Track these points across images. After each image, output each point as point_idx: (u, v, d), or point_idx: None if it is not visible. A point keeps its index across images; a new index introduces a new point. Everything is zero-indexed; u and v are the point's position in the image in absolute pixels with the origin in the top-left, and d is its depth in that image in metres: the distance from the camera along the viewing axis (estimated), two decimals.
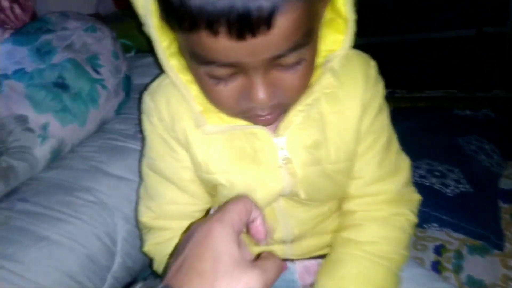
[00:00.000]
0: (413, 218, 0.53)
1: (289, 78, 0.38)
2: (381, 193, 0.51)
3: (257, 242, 0.39)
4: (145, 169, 0.55)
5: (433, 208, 0.76)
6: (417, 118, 1.09)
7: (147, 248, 0.57)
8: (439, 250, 0.74)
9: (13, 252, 0.58)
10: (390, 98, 1.41)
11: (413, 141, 0.96)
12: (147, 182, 0.56)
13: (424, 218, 0.76)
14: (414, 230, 0.53)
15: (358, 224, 0.51)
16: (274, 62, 0.36)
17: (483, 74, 1.76)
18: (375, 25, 1.99)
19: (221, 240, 0.32)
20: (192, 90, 0.44)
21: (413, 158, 0.86)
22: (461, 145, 0.92)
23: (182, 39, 0.37)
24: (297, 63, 0.37)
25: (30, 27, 0.87)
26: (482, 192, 0.80)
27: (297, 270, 0.56)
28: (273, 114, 0.42)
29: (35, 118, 0.70)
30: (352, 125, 0.48)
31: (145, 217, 0.56)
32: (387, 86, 1.51)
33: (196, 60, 0.37)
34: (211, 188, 0.52)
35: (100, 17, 1.21)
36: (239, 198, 0.37)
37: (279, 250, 0.56)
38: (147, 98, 0.52)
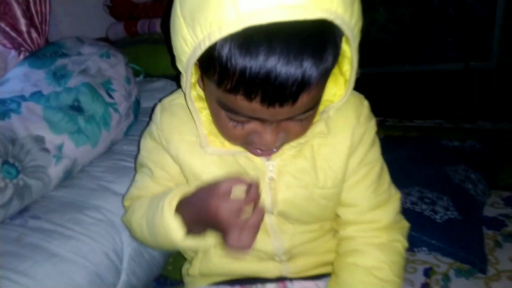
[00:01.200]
0: (406, 244, 0.57)
1: (294, 127, 0.45)
2: (377, 221, 0.56)
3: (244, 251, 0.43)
4: (138, 162, 0.63)
5: (423, 233, 0.80)
6: (408, 147, 1.16)
7: (123, 218, 0.63)
8: (428, 272, 0.78)
9: (25, 268, 0.61)
10: (381, 126, 1.48)
11: (405, 169, 1.02)
12: (137, 170, 0.63)
13: (415, 242, 0.81)
14: (405, 254, 0.58)
15: (360, 249, 0.55)
16: (287, 119, 0.42)
17: (469, 106, 1.85)
18: (372, 56, 2.09)
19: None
20: (202, 116, 0.50)
21: (405, 185, 0.93)
22: (449, 174, 0.98)
23: (217, 91, 0.41)
24: (303, 119, 0.44)
25: (46, 50, 0.92)
26: (469, 219, 0.86)
27: (294, 285, 0.59)
28: (272, 151, 0.48)
29: (51, 139, 0.74)
30: (341, 156, 0.53)
31: (127, 201, 0.62)
32: (379, 114, 1.58)
33: (223, 107, 0.42)
34: None
35: (109, 42, 1.27)
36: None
37: (276, 269, 0.59)
38: (158, 109, 0.58)
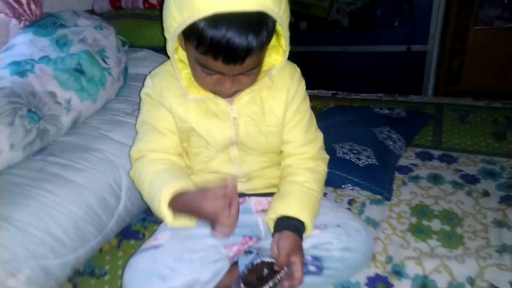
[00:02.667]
0: (326, 168, 0.84)
1: (244, 79, 0.68)
2: (307, 152, 0.81)
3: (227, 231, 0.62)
4: (139, 123, 0.82)
5: (349, 174, 1.07)
6: (348, 113, 1.43)
7: (131, 172, 0.81)
8: (351, 202, 1.05)
9: (52, 189, 0.81)
10: (333, 97, 1.74)
11: (342, 129, 1.30)
12: (138, 129, 0.81)
13: (342, 180, 1.08)
14: (326, 176, 0.84)
15: (295, 172, 0.80)
16: (239, 74, 0.65)
17: (406, 83, 2.16)
18: (329, 37, 2.34)
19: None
20: (183, 72, 0.73)
21: (340, 141, 1.20)
22: (375, 133, 1.25)
23: (194, 52, 0.63)
24: (250, 74, 0.67)
25: (46, 21, 1.08)
26: (385, 165, 1.13)
27: (251, 201, 0.84)
28: (231, 95, 0.72)
29: (62, 94, 0.92)
30: (281, 105, 0.77)
31: (133, 152, 0.80)
32: (332, 88, 1.87)
33: (198, 63, 0.65)
34: (185, 134, 0.78)
35: (94, 14, 1.41)
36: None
37: (239, 186, 0.83)
38: (148, 78, 0.80)
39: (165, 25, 0.66)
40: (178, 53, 0.73)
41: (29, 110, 0.84)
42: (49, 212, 0.78)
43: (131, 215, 0.98)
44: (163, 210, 0.68)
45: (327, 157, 0.86)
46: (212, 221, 0.63)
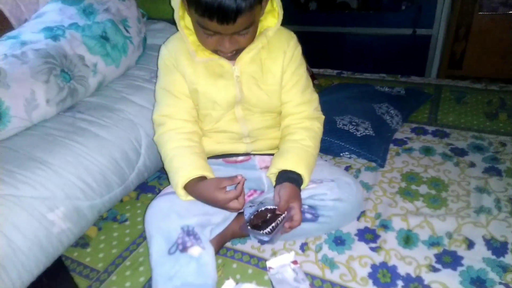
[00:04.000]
0: (321, 128, 0.93)
1: (241, 39, 0.76)
2: (303, 111, 0.90)
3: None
4: (157, 88, 0.91)
5: (347, 143, 1.16)
6: (350, 90, 1.51)
7: (155, 137, 0.91)
8: (347, 168, 1.15)
9: (81, 141, 0.92)
10: (338, 76, 1.83)
11: (344, 103, 1.38)
12: (157, 95, 0.91)
13: (341, 149, 1.18)
14: (321, 134, 0.93)
15: (293, 131, 0.89)
16: (236, 33, 0.73)
17: (410, 66, 2.22)
18: (337, 18, 2.39)
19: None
20: (190, 38, 0.82)
21: (341, 114, 1.29)
22: (374, 108, 1.34)
23: (195, 16, 0.72)
24: (246, 34, 0.75)
25: None
26: (381, 137, 1.22)
27: (256, 159, 0.95)
28: (231, 54, 0.80)
29: (89, 58, 1.02)
30: (278, 66, 0.86)
31: (154, 115, 0.91)
32: (336, 67, 1.96)
33: (199, 25, 0.73)
34: (194, 95, 0.87)
35: None
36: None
37: (243, 147, 0.94)
38: (163, 47, 0.89)
39: None
40: (184, 21, 0.82)
41: (62, 70, 0.94)
42: (80, 160, 0.89)
43: (148, 171, 1.08)
44: (179, 191, 0.81)
45: (323, 117, 0.95)
46: (222, 207, 0.77)
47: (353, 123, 1.25)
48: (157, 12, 1.39)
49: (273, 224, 0.77)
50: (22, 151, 0.84)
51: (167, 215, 0.78)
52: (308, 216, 0.85)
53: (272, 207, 0.81)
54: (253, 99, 0.87)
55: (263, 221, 0.79)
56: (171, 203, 0.81)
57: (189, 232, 0.77)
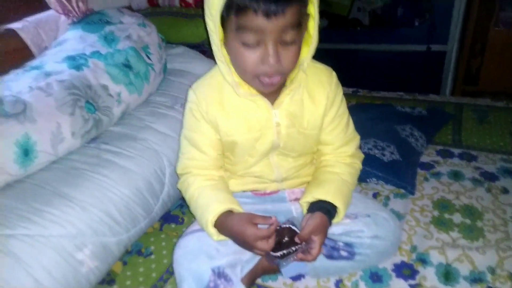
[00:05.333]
0: (361, 166, 0.90)
1: (286, 53, 0.66)
2: (345, 152, 0.87)
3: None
4: (182, 135, 0.87)
5: (373, 168, 1.13)
6: (371, 111, 1.49)
7: (179, 184, 0.88)
8: (375, 195, 1.12)
9: (107, 173, 0.90)
10: (354, 95, 1.81)
11: (366, 126, 1.35)
12: (181, 144, 0.87)
13: (368, 175, 1.14)
14: (360, 172, 0.90)
15: (332, 164, 0.87)
16: (281, 37, 0.64)
17: (425, 82, 2.20)
18: (349, 35, 2.38)
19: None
20: (232, 68, 0.74)
21: (365, 137, 1.26)
22: (398, 130, 1.31)
23: (234, 21, 0.64)
24: (292, 42, 0.66)
25: (93, 17, 1.15)
26: (407, 161, 1.19)
27: (286, 192, 0.91)
28: (274, 79, 0.69)
29: (113, 88, 1.00)
30: (319, 110, 0.82)
31: (178, 169, 0.87)
32: (353, 85, 1.93)
33: (238, 31, 0.64)
34: (229, 145, 0.84)
35: (131, 10, 1.49)
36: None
37: (275, 186, 0.91)
38: (191, 92, 0.83)
39: (208, 11, 0.68)
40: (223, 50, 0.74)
41: (87, 101, 0.92)
42: (106, 194, 0.86)
43: (172, 200, 1.06)
44: (210, 230, 0.77)
45: (362, 155, 0.92)
46: (250, 247, 0.73)
47: (378, 147, 1.22)
48: (175, 36, 1.38)
49: (285, 251, 0.74)
50: (49, 187, 0.81)
51: (197, 256, 0.75)
52: (344, 253, 0.81)
53: (295, 228, 0.76)
54: (290, 145, 0.84)
55: (278, 242, 0.75)
56: (200, 242, 0.78)
57: (220, 274, 0.74)
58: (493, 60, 2.13)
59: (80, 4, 1.22)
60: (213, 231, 0.77)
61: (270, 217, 0.73)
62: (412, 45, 2.25)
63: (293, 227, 0.76)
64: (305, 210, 0.83)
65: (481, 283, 0.81)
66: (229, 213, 0.78)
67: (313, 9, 0.69)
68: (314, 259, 0.74)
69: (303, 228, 0.75)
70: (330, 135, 0.86)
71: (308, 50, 0.76)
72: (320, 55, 0.80)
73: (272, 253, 0.73)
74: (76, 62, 0.99)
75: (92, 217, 0.82)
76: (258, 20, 0.62)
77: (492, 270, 0.84)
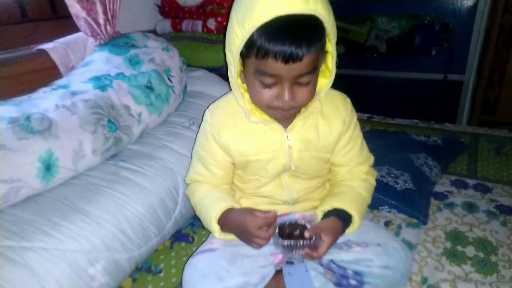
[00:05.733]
0: (374, 183, 0.92)
1: (302, 92, 0.72)
2: (360, 171, 0.90)
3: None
4: (194, 149, 0.94)
5: (386, 196, 1.13)
6: (385, 138, 1.49)
7: (187, 191, 0.95)
8: (387, 224, 1.11)
9: (123, 190, 0.92)
10: (369, 120, 1.82)
11: (380, 153, 1.35)
12: (193, 157, 0.94)
13: (380, 202, 1.14)
14: (374, 189, 0.93)
15: (349, 179, 0.89)
16: (297, 80, 0.70)
17: (441, 111, 2.19)
18: (366, 61, 2.41)
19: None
20: (245, 97, 0.80)
21: (378, 164, 1.26)
22: (412, 159, 1.31)
23: (254, 63, 0.69)
24: (307, 83, 0.72)
25: (119, 40, 1.21)
26: (421, 190, 1.18)
27: (296, 215, 0.92)
28: (289, 112, 0.77)
29: (135, 108, 1.04)
30: (334, 135, 0.85)
31: (187, 179, 0.95)
32: (368, 111, 1.95)
33: (257, 72, 0.70)
34: (243, 165, 0.87)
35: (156, 34, 1.56)
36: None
37: (285, 208, 0.92)
38: (208, 113, 0.88)
39: (228, 46, 0.72)
40: (238, 81, 0.79)
41: (109, 121, 0.96)
42: (121, 211, 0.89)
43: (184, 219, 1.07)
44: (213, 226, 0.82)
45: (376, 173, 0.95)
46: (250, 235, 0.76)
47: (392, 175, 1.22)
48: (196, 60, 1.44)
49: (292, 242, 0.75)
50: (67, 202, 0.84)
51: (207, 277, 0.76)
52: (353, 282, 0.81)
53: (308, 226, 0.78)
54: (303, 168, 0.86)
55: (289, 233, 0.77)
56: (210, 262, 0.79)
57: None
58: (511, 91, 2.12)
59: (108, 27, 1.29)
60: (216, 227, 0.81)
61: (270, 211, 0.76)
62: (429, 73, 2.25)
63: (307, 224, 0.79)
64: (319, 218, 0.85)
65: None
66: (232, 209, 0.83)
67: (331, 46, 0.73)
68: (319, 257, 0.76)
69: (315, 228, 0.77)
70: (345, 157, 0.89)
71: (326, 82, 0.80)
72: (336, 80, 0.83)
73: (280, 239, 0.75)
74: (101, 82, 1.04)
75: (106, 233, 0.84)
76: (277, 65, 0.66)
77: None
